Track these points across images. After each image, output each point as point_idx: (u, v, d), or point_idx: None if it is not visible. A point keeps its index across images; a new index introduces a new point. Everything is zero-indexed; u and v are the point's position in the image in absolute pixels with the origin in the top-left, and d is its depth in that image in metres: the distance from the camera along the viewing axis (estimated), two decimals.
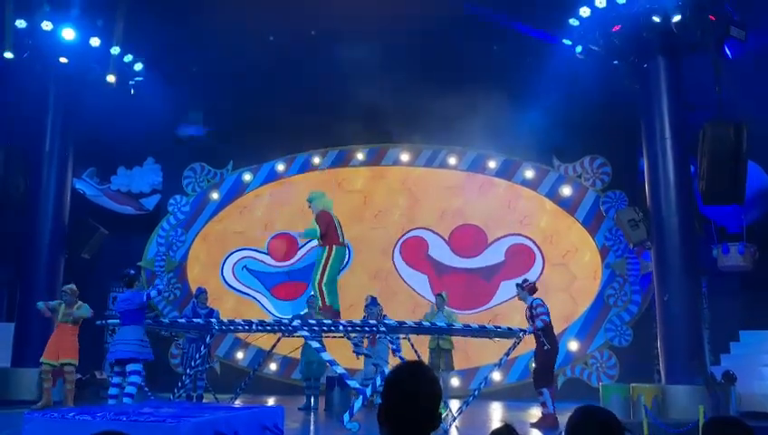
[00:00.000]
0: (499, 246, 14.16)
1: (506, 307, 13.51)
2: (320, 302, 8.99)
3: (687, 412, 8.94)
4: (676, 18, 10.31)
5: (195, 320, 10.18)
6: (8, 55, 11.44)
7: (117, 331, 9.11)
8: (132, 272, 8.99)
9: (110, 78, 12.13)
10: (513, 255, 14.03)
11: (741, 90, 10.83)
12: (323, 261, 8.87)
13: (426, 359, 10.73)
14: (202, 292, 11.61)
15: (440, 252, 14.38)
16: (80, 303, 9.84)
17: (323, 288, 8.84)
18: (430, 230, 14.48)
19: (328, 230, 8.90)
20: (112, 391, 8.49)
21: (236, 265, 15.02)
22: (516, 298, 9.65)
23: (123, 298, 8.65)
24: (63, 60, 11.83)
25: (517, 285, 9.48)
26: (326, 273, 8.82)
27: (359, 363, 11.28)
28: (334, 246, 8.89)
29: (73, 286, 9.95)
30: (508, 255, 14.07)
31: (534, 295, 9.21)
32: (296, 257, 14.83)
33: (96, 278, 13.62)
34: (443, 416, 2.23)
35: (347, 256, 9.19)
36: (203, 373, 11.04)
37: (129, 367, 8.33)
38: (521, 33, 12.35)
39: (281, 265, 14.86)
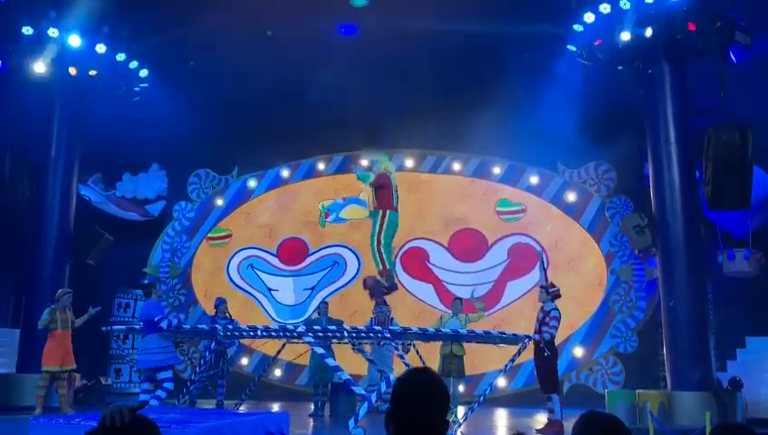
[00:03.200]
0: (501, 247, 14.10)
1: (512, 311, 13.44)
2: (380, 266, 8.93)
3: (694, 419, 8.90)
4: (681, 23, 10.30)
5: (199, 326, 10.18)
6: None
7: (141, 340, 9.29)
8: (146, 281, 9.11)
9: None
10: (517, 253, 13.90)
11: (746, 95, 10.80)
12: (378, 227, 8.85)
13: (434, 365, 10.67)
14: (222, 302, 11.44)
15: (441, 259, 14.34)
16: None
17: (382, 251, 8.82)
18: (428, 239, 14.43)
19: (382, 191, 8.87)
20: (142, 396, 8.63)
21: (242, 264, 15.03)
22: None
23: (141, 308, 8.79)
24: (73, 70, 11.90)
25: (542, 287, 9.35)
26: (381, 237, 8.80)
27: (363, 369, 11.26)
28: (388, 211, 8.87)
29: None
30: (511, 254, 13.99)
31: (555, 303, 9.18)
32: (305, 263, 14.83)
33: (101, 284, 13.63)
34: (449, 422, 2.22)
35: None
36: (223, 380, 11.00)
37: (159, 375, 8.51)
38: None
39: (288, 268, 14.86)
